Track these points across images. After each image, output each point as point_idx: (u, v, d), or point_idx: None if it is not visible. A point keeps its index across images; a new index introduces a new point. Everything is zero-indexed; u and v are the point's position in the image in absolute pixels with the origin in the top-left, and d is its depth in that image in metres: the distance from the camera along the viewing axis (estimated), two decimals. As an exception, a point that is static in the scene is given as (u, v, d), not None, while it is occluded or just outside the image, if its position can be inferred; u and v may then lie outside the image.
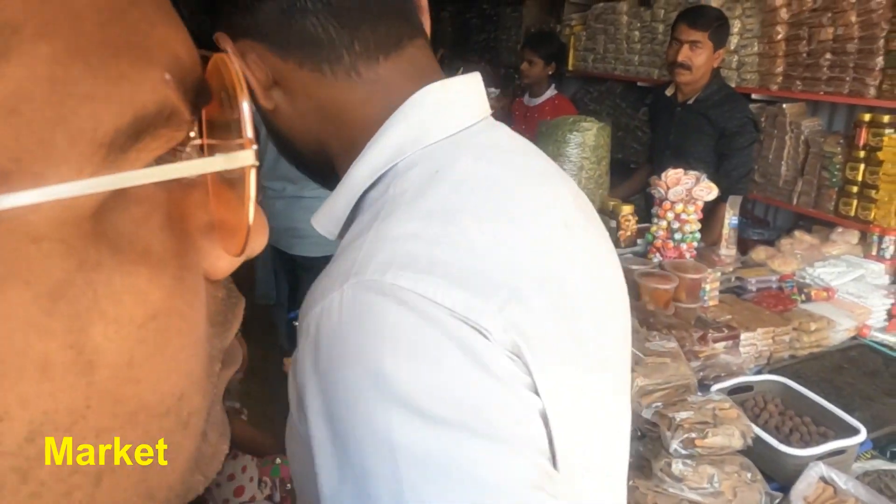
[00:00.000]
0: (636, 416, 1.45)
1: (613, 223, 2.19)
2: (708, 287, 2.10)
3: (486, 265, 0.46)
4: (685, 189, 2.08)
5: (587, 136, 2.55)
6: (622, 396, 0.62)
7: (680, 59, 2.51)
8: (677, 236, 2.12)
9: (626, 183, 3.00)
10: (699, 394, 1.51)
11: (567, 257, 0.53)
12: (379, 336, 0.42)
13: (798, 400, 1.73)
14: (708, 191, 2.08)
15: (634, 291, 2.03)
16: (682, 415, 1.42)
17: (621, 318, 0.64)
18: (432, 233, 0.47)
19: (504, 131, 0.62)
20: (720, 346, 1.90)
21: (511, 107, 3.65)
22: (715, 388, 1.70)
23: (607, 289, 0.60)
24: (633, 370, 1.49)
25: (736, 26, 2.95)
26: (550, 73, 3.44)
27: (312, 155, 0.60)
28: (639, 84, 3.76)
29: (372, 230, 0.48)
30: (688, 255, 2.15)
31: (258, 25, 0.54)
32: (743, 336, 1.94)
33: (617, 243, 2.19)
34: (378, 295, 0.43)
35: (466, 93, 0.60)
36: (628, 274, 2.14)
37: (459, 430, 0.40)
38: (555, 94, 3.50)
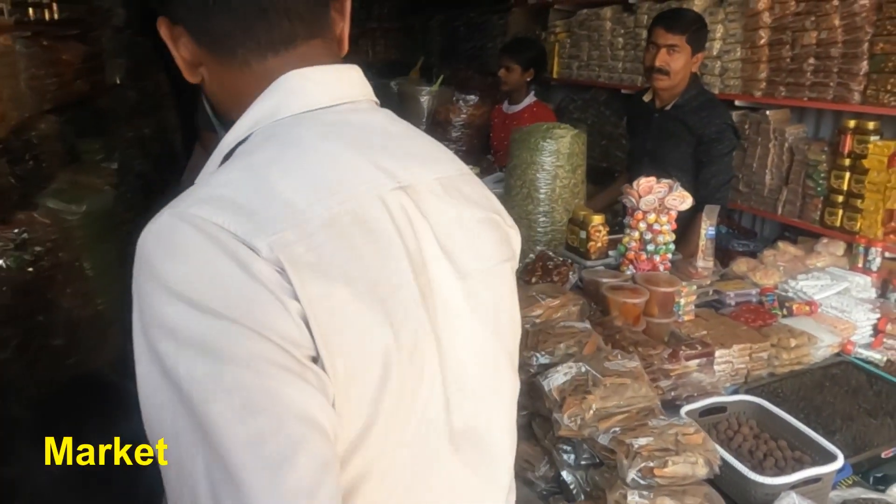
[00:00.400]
0: (592, 441, 1.34)
1: (584, 234, 2.09)
2: (683, 301, 2.00)
3: (275, 207, 0.61)
4: (657, 198, 1.98)
5: (561, 144, 2.45)
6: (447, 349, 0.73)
7: (657, 63, 2.42)
8: (650, 248, 2.02)
9: (605, 192, 2.90)
10: (662, 417, 1.41)
11: (374, 226, 0.66)
12: (171, 250, 0.58)
13: (774, 422, 1.62)
14: (681, 200, 1.98)
15: (603, 305, 1.93)
16: (641, 441, 1.31)
17: (479, 302, 0.77)
18: (242, 181, 0.63)
19: (373, 115, 0.75)
20: (693, 363, 1.80)
21: (491, 114, 3.56)
22: (684, 409, 1.60)
23: (455, 266, 0.74)
24: (588, 391, 1.39)
25: (718, 31, 2.87)
26: (529, 79, 3.36)
27: (224, 118, 0.75)
28: (623, 91, 3.67)
29: (206, 177, 0.68)
30: (661, 268, 2.05)
31: (184, 15, 0.70)
32: (718, 353, 1.84)
33: (587, 255, 2.09)
34: (181, 221, 0.59)
35: (325, 81, 0.73)
36: (596, 286, 2.04)
37: (222, 318, 0.55)
38: (534, 101, 3.41)
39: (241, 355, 0.55)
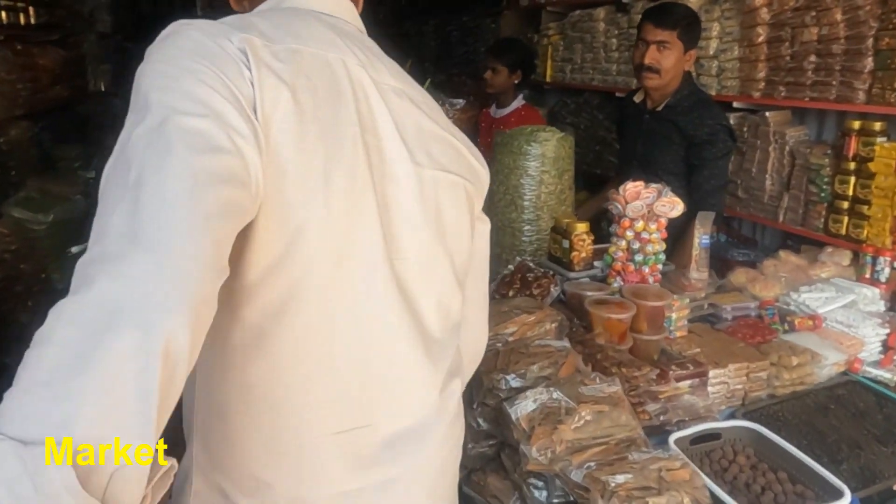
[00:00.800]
0: (565, 477, 1.19)
1: (566, 243, 1.94)
2: (674, 316, 1.84)
3: (252, 31, 0.73)
4: (646, 204, 1.83)
5: (546, 148, 2.30)
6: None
7: (646, 61, 2.28)
8: (638, 258, 1.86)
9: (594, 199, 2.75)
10: (645, 450, 1.25)
11: (332, 76, 0.78)
12: (177, 37, 0.71)
13: (773, 451, 1.46)
14: (671, 206, 1.83)
15: (587, 321, 1.77)
16: (620, 478, 1.16)
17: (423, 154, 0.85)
18: (254, 19, 0.78)
19: (357, 33, 0.89)
20: (684, 384, 1.64)
21: (478, 118, 3.42)
22: (674, 437, 1.44)
23: (408, 149, 0.82)
24: (560, 421, 1.23)
25: (714, 29, 2.72)
26: (516, 81, 3.21)
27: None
28: (616, 94, 3.52)
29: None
30: (651, 280, 1.89)
31: None
32: (712, 373, 1.68)
33: (570, 266, 1.94)
34: (192, 28, 0.71)
35: None
36: (579, 300, 1.88)
37: (185, 72, 0.67)
38: (522, 104, 3.27)
39: (195, 71, 0.67)
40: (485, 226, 1.03)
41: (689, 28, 2.24)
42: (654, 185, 1.85)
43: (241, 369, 0.76)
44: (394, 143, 0.81)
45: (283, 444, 0.78)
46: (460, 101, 3.26)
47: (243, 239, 0.69)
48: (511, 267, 1.93)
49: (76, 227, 3.07)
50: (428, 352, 0.87)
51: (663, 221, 1.85)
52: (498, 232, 2.42)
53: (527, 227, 2.36)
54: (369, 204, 0.77)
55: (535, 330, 1.54)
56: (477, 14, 5.21)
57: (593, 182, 3.66)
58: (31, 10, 3.86)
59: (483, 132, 3.40)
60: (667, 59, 2.25)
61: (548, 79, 4.13)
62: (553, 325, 1.56)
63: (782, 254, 2.36)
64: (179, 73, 0.67)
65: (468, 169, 0.92)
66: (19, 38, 3.65)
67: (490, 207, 2.45)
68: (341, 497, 0.81)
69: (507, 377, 1.38)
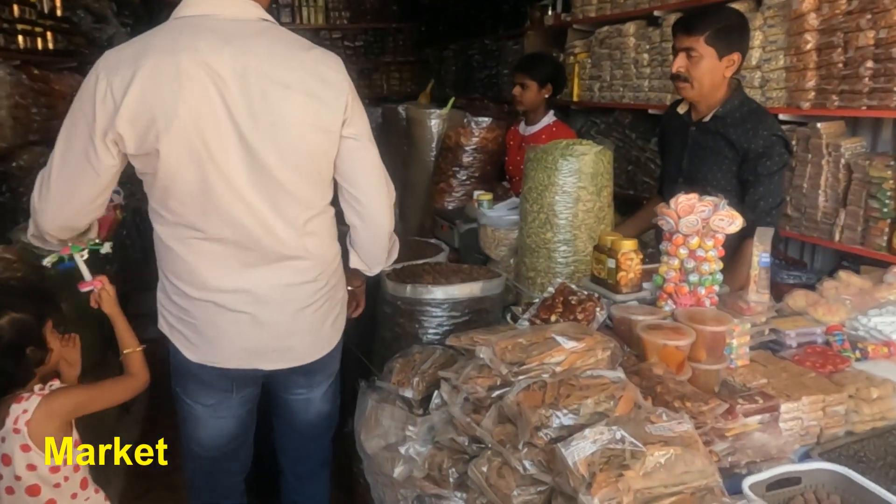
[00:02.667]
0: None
1: (612, 263, 1.76)
2: (735, 342, 1.65)
3: (126, 57, 1.42)
4: (700, 218, 1.65)
5: (583, 163, 2.14)
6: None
7: (674, 69, 2.13)
8: (693, 278, 1.68)
9: (633, 218, 2.57)
10: (726, 500, 1.06)
11: (184, 83, 1.40)
12: None
13: (863, 498, 1.26)
14: (730, 220, 1.65)
15: (639, 349, 1.59)
16: (701, 536, 0.97)
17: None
18: (143, 38, 1.47)
19: (233, 24, 1.47)
20: (754, 420, 1.45)
21: (506, 137, 3.27)
22: (748, 482, 1.25)
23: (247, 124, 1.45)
24: (626, 465, 1.05)
25: (757, 38, 2.56)
26: (546, 96, 3.07)
27: None
28: (650, 112, 3.37)
29: None
30: (707, 302, 1.70)
31: None
32: (784, 407, 1.49)
33: (617, 288, 1.76)
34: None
35: (203, 3, 1.48)
36: (629, 325, 1.70)
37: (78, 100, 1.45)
38: (553, 120, 3.12)
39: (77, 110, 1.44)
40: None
41: (722, 33, 2.07)
42: (709, 198, 1.67)
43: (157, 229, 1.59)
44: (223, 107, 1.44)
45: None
46: (486, 119, 3.13)
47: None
48: (551, 289, 1.76)
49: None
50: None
51: (720, 238, 1.67)
52: (531, 254, 2.25)
53: (562, 248, 2.20)
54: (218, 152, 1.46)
55: (585, 359, 1.36)
56: (499, 36, 5.10)
57: (626, 204, 3.48)
58: (49, 35, 3.81)
59: (511, 151, 3.25)
60: (696, 68, 2.09)
61: (575, 98, 3.99)
62: (605, 353, 1.38)
63: (843, 275, 2.16)
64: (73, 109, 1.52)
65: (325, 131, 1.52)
66: (36, 63, 3.59)
67: (523, 228, 2.28)
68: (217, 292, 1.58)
69: (558, 413, 1.20)
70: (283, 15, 7.12)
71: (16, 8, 3.44)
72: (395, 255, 1.87)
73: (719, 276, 1.70)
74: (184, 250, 1.54)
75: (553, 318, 1.63)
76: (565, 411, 1.21)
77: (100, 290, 1.67)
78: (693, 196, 1.67)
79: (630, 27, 3.45)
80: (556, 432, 1.20)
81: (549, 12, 4.33)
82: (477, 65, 5.49)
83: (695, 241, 1.66)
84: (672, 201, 1.68)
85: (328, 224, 1.66)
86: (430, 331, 2.14)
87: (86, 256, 1.67)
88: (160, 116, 1.38)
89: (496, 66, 5.17)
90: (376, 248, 1.76)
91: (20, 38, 3.49)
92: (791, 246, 2.98)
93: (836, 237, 2.43)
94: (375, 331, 2.31)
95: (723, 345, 1.62)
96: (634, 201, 3.54)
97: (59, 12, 4.00)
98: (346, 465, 2.29)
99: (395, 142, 3.83)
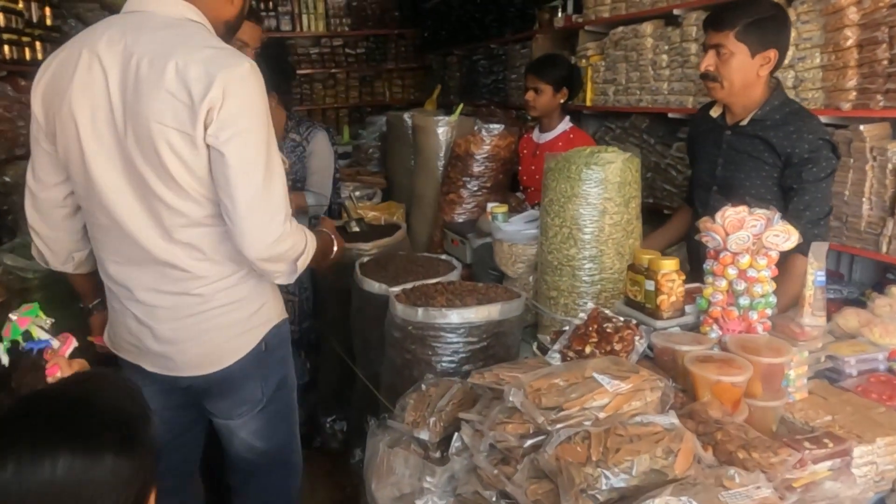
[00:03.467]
0: None
1: (651, 285, 1.57)
2: (792, 374, 1.46)
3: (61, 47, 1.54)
4: (752, 234, 1.46)
5: (609, 171, 1.96)
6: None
7: (702, 67, 1.96)
8: (743, 302, 1.49)
9: (660, 230, 2.38)
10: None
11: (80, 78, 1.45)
12: None
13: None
14: (785, 236, 1.46)
15: (685, 382, 1.40)
16: None
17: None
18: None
19: (144, 17, 1.48)
20: (823, 467, 1.26)
21: (519, 145, 3.09)
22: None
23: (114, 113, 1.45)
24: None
25: (791, 35, 2.38)
26: (562, 101, 2.89)
27: None
28: (669, 116, 3.19)
29: None
30: (760, 328, 1.52)
31: None
32: (856, 451, 1.29)
33: (657, 314, 1.57)
34: None
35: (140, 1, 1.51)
36: (673, 356, 1.51)
37: None
38: (569, 126, 2.94)
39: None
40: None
41: (754, 27, 1.89)
42: (761, 212, 1.49)
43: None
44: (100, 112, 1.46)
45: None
46: (498, 126, 2.95)
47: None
48: (583, 315, 1.57)
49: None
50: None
51: (774, 256, 1.49)
52: (553, 271, 2.06)
53: (588, 266, 2.00)
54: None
55: (632, 402, 1.17)
56: (505, 40, 4.93)
57: (647, 213, 3.29)
58: (38, 45, 3.64)
59: (525, 160, 3.07)
60: (726, 66, 1.91)
61: (588, 103, 3.81)
62: (655, 394, 1.19)
63: (895, 290, 1.97)
64: None
65: (189, 121, 1.39)
66: (23, 74, 3.42)
67: (544, 244, 2.10)
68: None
69: (607, 473, 1.01)
70: (283, 23, 6.97)
71: (1, 17, 3.28)
72: (299, 264, 1.58)
73: (773, 299, 1.51)
74: (90, 230, 1.62)
75: (588, 349, 1.44)
76: (616, 470, 1.02)
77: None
78: (742, 209, 1.49)
79: (647, 27, 3.27)
80: (606, 495, 1.01)
81: (559, 14, 4.16)
82: (483, 70, 5.31)
83: (745, 259, 1.47)
84: (718, 215, 1.50)
85: (210, 239, 1.52)
86: (445, 358, 1.95)
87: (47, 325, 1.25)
88: (56, 100, 1.46)
89: (503, 70, 4.99)
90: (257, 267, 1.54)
91: (6, 48, 3.32)
92: (829, 257, 2.78)
93: (883, 248, 2.24)
94: (384, 355, 2.12)
95: (780, 377, 1.43)
96: (655, 210, 3.35)
97: (48, 21, 3.84)
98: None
99: (400, 151, 3.65)
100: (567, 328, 1.57)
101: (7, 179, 2.98)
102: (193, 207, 1.48)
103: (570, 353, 1.44)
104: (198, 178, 1.45)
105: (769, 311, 1.52)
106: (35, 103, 1.52)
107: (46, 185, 1.61)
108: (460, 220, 2.97)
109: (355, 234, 2.75)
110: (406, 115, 3.53)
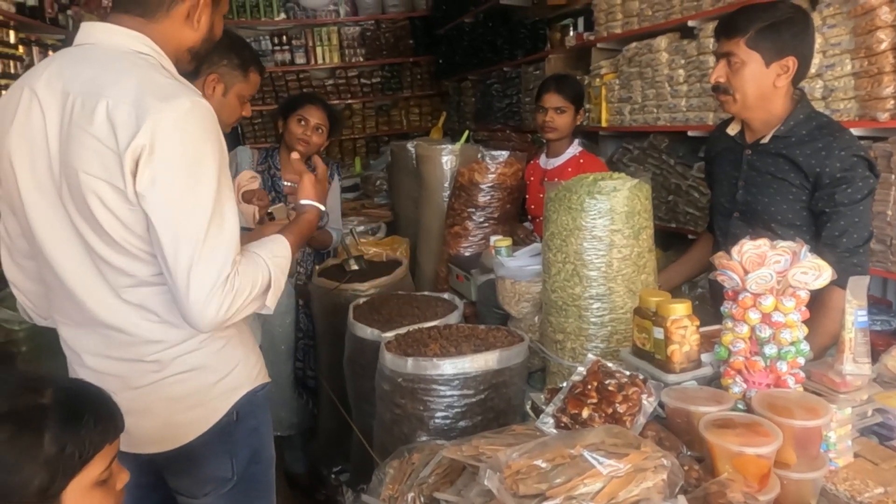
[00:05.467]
0: None
1: (659, 332, 1.36)
2: (833, 436, 1.23)
3: None
4: (775, 272, 1.25)
5: (616, 201, 1.76)
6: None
7: (712, 79, 1.77)
8: (769, 351, 1.27)
9: (678, 263, 2.16)
10: None
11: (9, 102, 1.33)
12: None
13: None
14: (816, 273, 1.24)
15: (701, 449, 1.18)
16: None
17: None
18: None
19: (91, 51, 1.32)
20: (877, 559, 1.02)
21: (525, 172, 2.90)
22: None
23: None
24: None
25: (817, 41, 2.16)
26: (579, 122, 2.73)
27: None
28: (689, 134, 2.97)
29: None
30: (791, 381, 1.29)
31: None
32: (917, 536, 1.06)
33: (668, 366, 1.35)
34: None
35: (87, 30, 1.35)
36: (687, 418, 1.27)
37: None
38: (578, 150, 2.75)
39: None
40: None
41: (768, 33, 1.68)
42: (785, 244, 1.27)
43: None
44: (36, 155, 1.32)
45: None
46: (503, 153, 2.77)
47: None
48: (581, 370, 1.36)
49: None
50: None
51: (803, 296, 1.26)
52: (557, 312, 1.86)
53: (595, 306, 1.80)
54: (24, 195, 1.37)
55: (630, 487, 0.96)
56: (518, 62, 4.78)
57: (669, 238, 3.07)
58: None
59: (532, 188, 2.88)
60: (738, 77, 1.72)
61: (604, 123, 3.61)
62: (659, 475, 0.98)
63: (951, 324, 1.71)
64: None
65: (113, 168, 1.23)
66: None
67: (547, 282, 1.90)
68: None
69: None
70: (297, 56, 6.94)
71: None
72: (269, 299, 1.40)
73: (804, 347, 1.28)
74: (43, 288, 1.46)
75: (585, 413, 1.23)
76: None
77: None
78: (763, 242, 1.27)
79: (661, 41, 3.08)
80: None
81: (571, 32, 3.99)
82: (497, 94, 5.16)
83: (769, 301, 1.25)
84: (735, 250, 1.28)
85: (163, 298, 1.33)
86: (438, 414, 1.76)
87: None
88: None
89: (517, 94, 4.83)
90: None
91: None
92: (872, 283, 2.52)
93: (935, 274, 1.98)
94: (376, 409, 1.94)
95: (818, 441, 1.20)
96: (677, 235, 3.13)
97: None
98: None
99: (405, 182, 3.50)
100: (564, 384, 1.36)
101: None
102: (138, 266, 1.31)
103: (565, 419, 1.23)
104: (137, 236, 1.28)
105: (801, 361, 1.29)
106: None
107: (12, 234, 1.46)
108: (466, 254, 2.79)
109: (353, 273, 2.59)
110: (410, 145, 3.38)
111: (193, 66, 1.46)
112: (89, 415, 1.00)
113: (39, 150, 1.29)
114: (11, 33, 3.46)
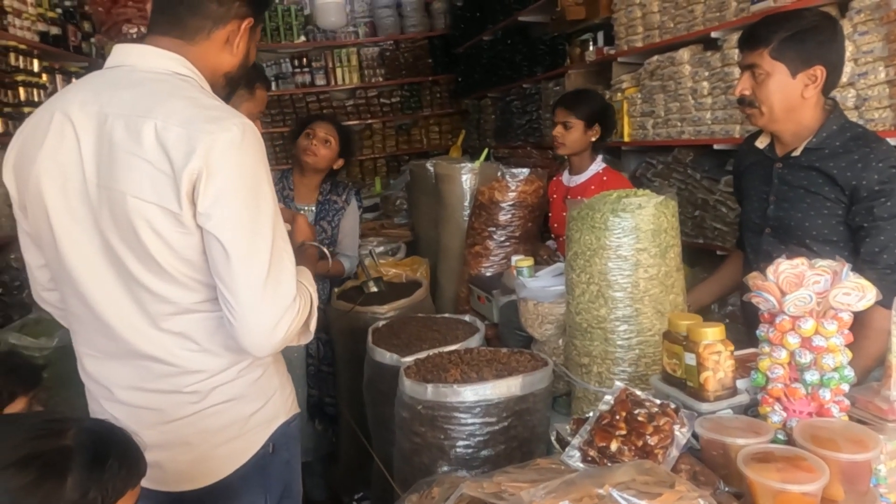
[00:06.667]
0: None
1: (691, 358, 1.28)
2: (884, 469, 1.15)
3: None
4: (815, 293, 1.17)
5: (641, 218, 1.69)
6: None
7: (736, 92, 1.71)
8: (811, 377, 1.19)
9: (708, 281, 2.08)
10: None
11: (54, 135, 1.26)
12: None
13: None
14: (859, 293, 1.16)
15: (740, 484, 1.10)
16: None
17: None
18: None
19: (126, 73, 1.29)
20: None
21: (548, 189, 2.84)
22: None
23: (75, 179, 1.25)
24: None
25: (848, 49, 2.08)
26: (594, 139, 2.65)
27: None
28: (715, 147, 2.89)
29: None
30: (835, 410, 1.20)
31: None
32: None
33: (701, 394, 1.27)
34: None
35: (123, 52, 1.32)
36: (724, 451, 1.17)
37: None
38: (602, 167, 2.68)
39: None
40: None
41: (792, 42, 1.61)
42: (824, 263, 1.19)
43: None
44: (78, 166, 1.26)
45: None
46: (523, 170, 2.72)
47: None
48: (609, 398, 1.29)
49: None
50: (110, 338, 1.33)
51: (846, 319, 1.18)
52: (582, 335, 1.79)
53: (622, 328, 1.72)
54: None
55: (665, 530, 0.89)
56: (537, 78, 4.73)
57: (696, 255, 2.98)
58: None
59: (555, 205, 2.81)
60: (763, 89, 1.65)
61: (626, 138, 3.55)
62: (696, 517, 0.91)
63: None
64: None
65: (173, 192, 1.18)
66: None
67: (570, 304, 1.83)
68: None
69: None
70: (317, 78, 6.98)
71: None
72: (311, 326, 1.39)
73: (849, 373, 1.20)
74: (68, 320, 1.40)
75: (614, 445, 1.16)
76: None
77: None
78: (800, 262, 1.20)
79: (684, 54, 3.01)
80: None
81: (591, 47, 3.94)
82: (517, 111, 5.12)
83: (809, 325, 1.17)
84: (770, 270, 1.21)
85: (204, 327, 1.29)
86: (460, 443, 1.70)
87: None
88: (26, 169, 1.29)
89: (537, 110, 4.78)
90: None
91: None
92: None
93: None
94: (395, 438, 1.88)
95: (868, 475, 1.12)
96: (705, 252, 3.03)
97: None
98: None
99: (425, 202, 3.45)
100: (591, 414, 1.29)
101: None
102: (182, 293, 1.26)
103: (592, 452, 1.16)
104: (186, 261, 1.23)
105: (845, 388, 1.21)
106: (7, 175, 1.34)
107: (31, 266, 1.42)
108: (488, 274, 2.73)
109: (372, 295, 2.54)
110: (429, 164, 3.34)
111: (227, 91, 1.42)
112: (113, 459, 0.96)
113: (73, 174, 1.24)
114: (35, 62, 3.52)
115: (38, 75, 3.51)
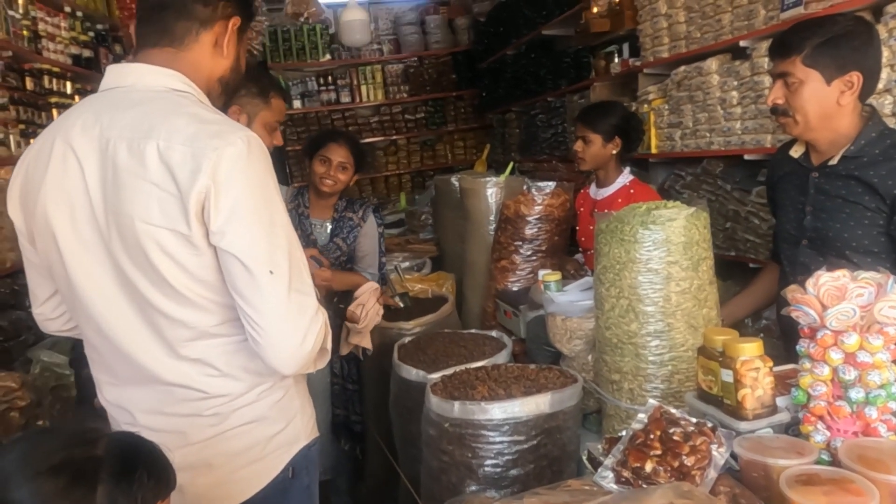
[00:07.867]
0: None
1: (728, 375, 1.24)
2: (937, 492, 1.08)
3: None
4: (858, 307, 1.12)
5: (671, 231, 1.65)
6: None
7: (769, 101, 1.67)
8: (856, 395, 1.14)
9: (742, 294, 2.02)
10: None
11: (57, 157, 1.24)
12: None
13: None
14: (906, 307, 1.11)
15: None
16: None
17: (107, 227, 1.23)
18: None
19: (126, 93, 1.26)
20: None
21: (575, 202, 2.81)
22: None
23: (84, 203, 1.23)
24: None
25: (884, 54, 2.02)
26: (614, 152, 2.61)
27: None
28: (746, 157, 2.83)
29: None
30: (882, 429, 1.15)
31: None
32: None
33: (739, 412, 1.22)
34: None
35: (118, 73, 1.31)
36: (765, 472, 1.11)
37: None
38: (629, 179, 2.64)
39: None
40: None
41: (826, 48, 1.57)
42: (867, 275, 1.14)
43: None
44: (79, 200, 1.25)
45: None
46: (549, 183, 2.69)
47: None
48: (642, 416, 1.25)
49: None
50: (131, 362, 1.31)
51: (893, 333, 1.13)
52: (612, 350, 1.75)
53: (654, 343, 1.68)
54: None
55: (706, 558, 0.84)
56: (562, 91, 4.71)
57: (728, 268, 2.91)
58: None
59: (583, 218, 2.78)
60: (797, 97, 1.61)
61: (654, 150, 3.50)
62: (738, 544, 0.86)
63: None
64: None
65: (182, 215, 1.17)
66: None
67: (600, 318, 1.79)
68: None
69: None
70: (342, 95, 7.05)
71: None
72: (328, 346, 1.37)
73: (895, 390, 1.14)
74: (85, 348, 1.38)
75: (648, 466, 1.12)
76: None
77: None
78: (842, 273, 1.15)
79: (712, 63, 2.97)
80: None
81: (616, 59, 3.91)
82: (541, 124, 5.10)
83: (853, 340, 1.12)
84: (810, 283, 1.16)
85: (224, 351, 1.27)
86: (488, 462, 1.66)
87: None
88: (32, 199, 1.27)
89: (561, 124, 4.76)
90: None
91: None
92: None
93: None
94: (423, 456, 1.85)
95: (919, 499, 1.06)
96: (737, 264, 2.97)
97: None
98: None
99: (450, 216, 3.44)
100: (624, 433, 1.25)
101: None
102: (199, 316, 1.24)
103: (626, 473, 1.12)
104: (201, 282, 1.21)
105: (893, 405, 1.15)
106: (12, 207, 1.32)
107: (38, 299, 1.40)
108: (514, 289, 2.70)
109: (398, 310, 2.52)
110: (454, 178, 3.33)
111: (223, 99, 1.41)
112: (143, 469, 0.97)
113: (80, 201, 1.23)
114: (68, 84, 3.59)
115: (71, 97, 3.58)
